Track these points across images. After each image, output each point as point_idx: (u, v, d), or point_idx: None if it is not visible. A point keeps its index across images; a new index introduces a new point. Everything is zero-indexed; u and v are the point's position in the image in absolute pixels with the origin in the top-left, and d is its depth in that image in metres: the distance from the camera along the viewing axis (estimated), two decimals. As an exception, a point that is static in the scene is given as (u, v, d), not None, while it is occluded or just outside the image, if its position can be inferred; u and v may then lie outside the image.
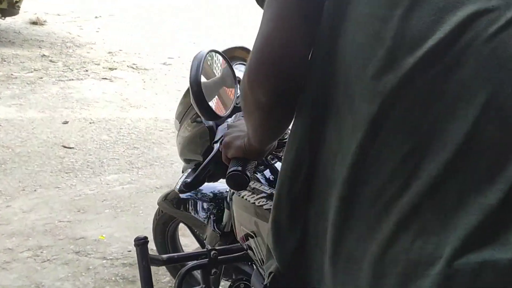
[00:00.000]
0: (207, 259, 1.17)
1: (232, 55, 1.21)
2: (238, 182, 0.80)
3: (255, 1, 0.67)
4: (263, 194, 0.99)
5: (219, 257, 1.17)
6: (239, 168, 0.79)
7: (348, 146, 0.53)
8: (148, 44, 6.19)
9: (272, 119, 0.65)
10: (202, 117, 0.88)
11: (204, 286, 1.22)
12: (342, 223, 0.53)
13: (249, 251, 1.08)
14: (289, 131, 0.66)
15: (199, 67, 0.84)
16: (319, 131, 0.58)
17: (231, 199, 1.21)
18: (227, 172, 0.80)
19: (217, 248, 1.20)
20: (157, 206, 1.67)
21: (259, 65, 0.59)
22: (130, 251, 2.24)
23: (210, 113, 0.87)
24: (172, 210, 1.57)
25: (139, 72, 5.06)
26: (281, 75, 0.58)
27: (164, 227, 1.75)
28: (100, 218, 2.49)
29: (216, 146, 0.93)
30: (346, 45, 0.55)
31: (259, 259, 1.03)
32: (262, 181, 1.05)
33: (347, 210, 0.53)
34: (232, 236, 1.29)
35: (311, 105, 0.60)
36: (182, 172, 1.39)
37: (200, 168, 0.90)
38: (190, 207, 1.47)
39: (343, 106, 0.55)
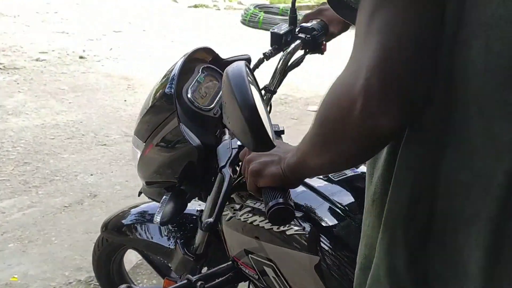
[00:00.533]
0: None
1: (194, 57, 1.09)
2: (284, 217, 0.68)
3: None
4: None
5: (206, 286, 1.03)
6: (281, 201, 0.67)
7: (489, 175, 0.45)
8: (12, 38, 5.39)
9: (371, 150, 0.53)
10: (250, 148, 0.68)
11: None
12: (493, 261, 0.46)
13: (268, 280, 0.97)
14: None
15: (247, 85, 0.63)
16: (435, 161, 0.49)
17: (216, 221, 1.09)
18: (269, 207, 0.67)
19: (201, 276, 1.05)
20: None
21: (384, 86, 0.45)
22: (54, 288, 1.94)
23: (268, 143, 0.65)
24: (123, 238, 1.38)
25: (8, 73, 4.36)
26: (412, 94, 0.47)
27: (109, 258, 1.54)
28: (4, 256, 2.09)
29: (226, 171, 0.81)
30: (476, 56, 0.45)
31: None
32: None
33: (499, 247, 0.46)
34: (205, 258, 1.17)
35: (425, 130, 0.50)
36: (143, 194, 1.24)
37: (220, 203, 0.76)
38: (147, 233, 1.31)
39: (474, 130, 0.46)
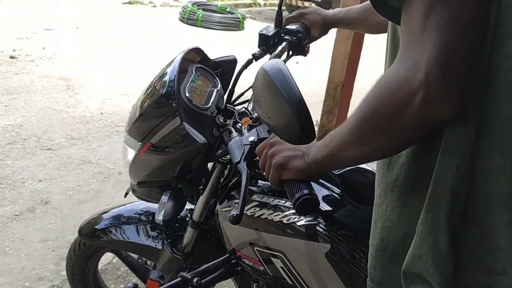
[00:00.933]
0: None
1: (187, 57, 1.10)
2: (310, 207, 0.73)
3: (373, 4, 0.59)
4: (292, 210, 0.94)
5: (202, 281, 1.09)
6: (306, 192, 0.72)
7: None
8: None
9: (418, 140, 0.59)
10: (295, 141, 0.72)
11: None
12: None
13: (274, 270, 1.01)
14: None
15: (292, 81, 0.68)
16: (474, 147, 0.56)
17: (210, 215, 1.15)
18: (296, 199, 0.72)
19: (195, 272, 1.10)
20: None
21: (445, 79, 0.51)
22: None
23: (313, 135, 0.70)
24: (106, 240, 1.36)
25: None
26: (467, 85, 0.53)
27: (85, 262, 1.52)
28: (-45, 272, 1.98)
29: (242, 166, 0.83)
30: (510, 53, 0.53)
31: (292, 277, 0.98)
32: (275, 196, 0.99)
33: None
34: (192, 256, 1.22)
35: (467, 119, 0.56)
36: (130, 193, 1.24)
37: (242, 197, 0.78)
38: (133, 235, 1.31)
39: (506, 119, 0.54)
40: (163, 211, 1.03)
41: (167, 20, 7.63)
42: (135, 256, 1.55)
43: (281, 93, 0.68)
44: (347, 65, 2.60)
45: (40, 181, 2.75)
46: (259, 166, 0.82)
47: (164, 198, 1.05)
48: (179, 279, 1.11)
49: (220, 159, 1.04)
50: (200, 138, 0.98)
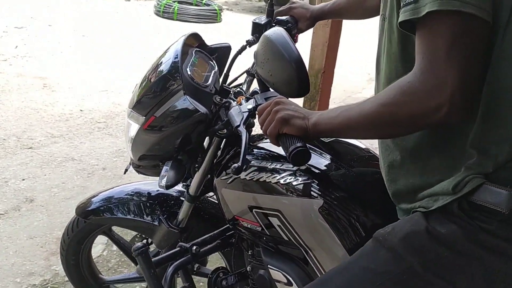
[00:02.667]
0: (189, 255, 1.18)
1: (187, 42, 1.18)
2: (303, 158, 0.81)
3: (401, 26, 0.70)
4: (288, 172, 1.02)
5: (200, 251, 1.18)
6: (299, 145, 0.80)
7: None
8: None
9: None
10: (294, 93, 0.88)
11: (187, 284, 1.23)
12: None
13: (271, 229, 1.08)
14: None
15: (291, 43, 0.84)
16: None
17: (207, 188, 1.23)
18: (291, 150, 0.80)
19: (195, 242, 1.19)
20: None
21: (464, 101, 0.67)
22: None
23: (308, 88, 0.87)
24: (104, 218, 1.41)
25: None
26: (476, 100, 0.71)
27: (79, 245, 1.56)
28: None
29: (242, 129, 0.92)
30: None
31: (288, 233, 1.05)
32: (273, 161, 1.07)
33: None
34: (187, 231, 1.29)
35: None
36: (130, 168, 1.29)
37: (243, 149, 0.87)
38: (130, 212, 1.37)
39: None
40: (165, 178, 1.08)
41: (142, 14, 7.53)
42: (126, 239, 1.60)
43: (282, 52, 0.84)
44: (327, 52, 2.65)
45: (23, 179, 2.72)
46: (259, 122, 0.90)
47: (166, 168, 1.11)
48: (178, 248, 1.19)
49: (217, 133, 1.11)
50: (202, 108, 1.05)
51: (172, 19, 7.10)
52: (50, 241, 2.20)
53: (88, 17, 6.95)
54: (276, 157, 1.08)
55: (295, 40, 1.30)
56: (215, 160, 1.18)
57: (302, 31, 1.32)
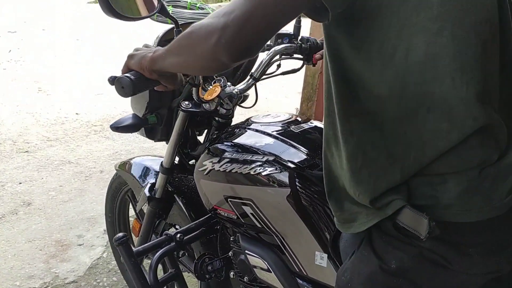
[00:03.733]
0: (174, 244, 1.23)
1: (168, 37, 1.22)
2: (123, 87, 0.91)
3: None
4: (258, 163, 1.07)
5: (184, 238, 1.24)
6: (128, 75, 0.90)
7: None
8: None
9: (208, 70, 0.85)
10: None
11: (174, 270, 1.27)
12: None
13: (246, 218, 1.13)
14: None
15: None
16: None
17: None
18: (117, 77, 0.91)
19: (179, 230, 1.25)
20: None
21: (234, 35, 0.66)
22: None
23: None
24: (124, 173, 1.61)
25: None
26: (249, 50, 0.69)
27: (114, 196, 1.77)
28: None
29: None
30: None
31: (260, 221, 1.10)
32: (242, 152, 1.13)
33: None
34: (162, 203, 1.41)
35: None
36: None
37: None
38: (136, 172, 1.55)
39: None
40: (116, 121, 1.31)
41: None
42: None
43: None
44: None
45: (20, 183, 2.70)
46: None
47: (128, 116, 1.30)
48: (163, 236, 1.24)
49: (180, 106, 1.20)
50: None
51: (167, 23, 7.09)
52: (49, 244, 2.19)
53: (82, 21, 6.93)
54: (247, 149, 1.12)
55: (313, 61, 1.29)
56: (182, 132, 1.28)
57: (318, 59, 1.31)
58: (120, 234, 1.17)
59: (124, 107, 3.53)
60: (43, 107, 3.84)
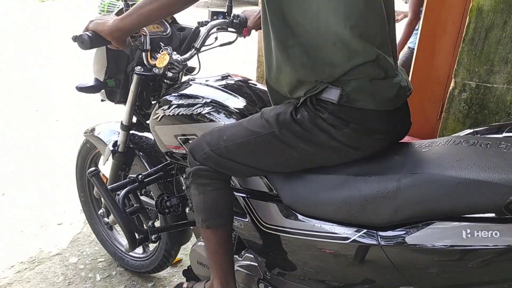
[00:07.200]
0: (137, 184, 1.50)
1: None
2: (83, 42, 1.16)
3: None
4: (199, 105, 1.33)
5: (145, 180, 1.52)
6: (87, 33, 1.17)
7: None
8: None
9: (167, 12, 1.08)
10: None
11: (138, 204, 1.53)
12: None
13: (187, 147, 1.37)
14: None
15: None
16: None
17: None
18: (80, 34, 1.17)
19: (142, 173, 1.52)
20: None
21: None
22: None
23: None
24: (92, 136, 1.81)
25: None
26: None
27: (84, 160, 1.97)
28: None
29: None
30: None
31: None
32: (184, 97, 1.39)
33: None
34: (125, 157, 1.66)
35: None
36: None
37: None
38: (102, 135, 1.75)
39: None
40: (81, 82, 1.55)
41: (85, 15, 7.48)
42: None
43: None
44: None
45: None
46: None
47: (92, 81, 1.55)
48: (127, 179, 1.52)
49: (134, 70, 1.45)
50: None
51: None
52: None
53: (32, 20, 6.74)
54: (190, 96, 1.37)
55: (243, 34, 1.55)
56: (137, 94, 1.52)
57: (250, 29, 1.57)
58: (92, 168, 1.41)
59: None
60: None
